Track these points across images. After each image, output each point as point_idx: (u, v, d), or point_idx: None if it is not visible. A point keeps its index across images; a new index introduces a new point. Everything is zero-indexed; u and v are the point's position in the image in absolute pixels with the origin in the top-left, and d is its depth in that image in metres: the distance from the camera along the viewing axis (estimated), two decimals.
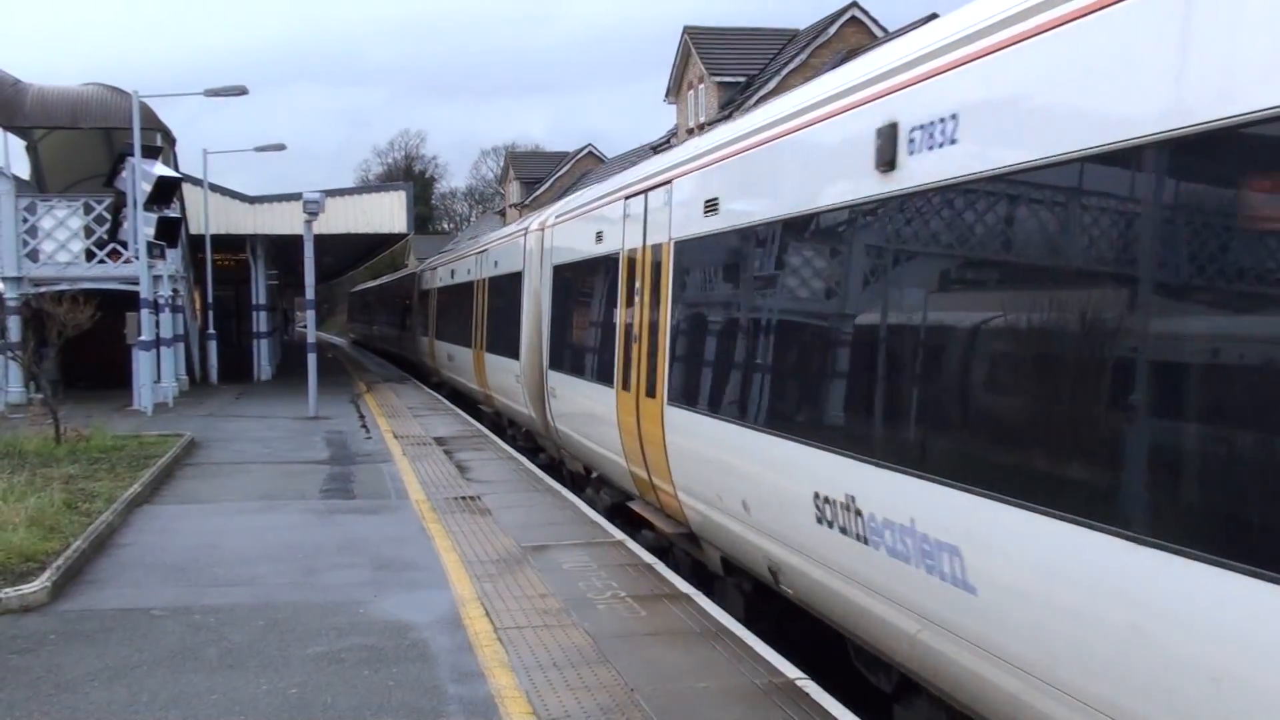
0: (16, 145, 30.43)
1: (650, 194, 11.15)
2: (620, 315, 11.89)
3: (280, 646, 8.24)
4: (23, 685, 7.45)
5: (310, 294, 26.88)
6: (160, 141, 27.84)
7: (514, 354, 18.45)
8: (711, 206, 9.24)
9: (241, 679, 7.54)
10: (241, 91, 28.05)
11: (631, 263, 11.58)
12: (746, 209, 8.57)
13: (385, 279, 60.29)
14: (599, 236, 13.15)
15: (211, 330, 35.48)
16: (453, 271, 28.79)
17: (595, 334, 13.39)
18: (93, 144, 32.11)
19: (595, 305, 13.44)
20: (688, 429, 9.64)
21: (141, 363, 25.75)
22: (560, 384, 15.02)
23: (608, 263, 12.65)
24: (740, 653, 7.93)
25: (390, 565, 10.77)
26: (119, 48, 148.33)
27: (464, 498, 14.37)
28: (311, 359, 25.83)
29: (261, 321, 37.23)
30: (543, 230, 17.21)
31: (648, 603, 9.26)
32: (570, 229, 15.23)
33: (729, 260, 9.07)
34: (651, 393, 10.54)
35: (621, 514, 12.80)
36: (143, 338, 25.77)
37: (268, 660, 7.93)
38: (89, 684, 7.49)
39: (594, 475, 14.44)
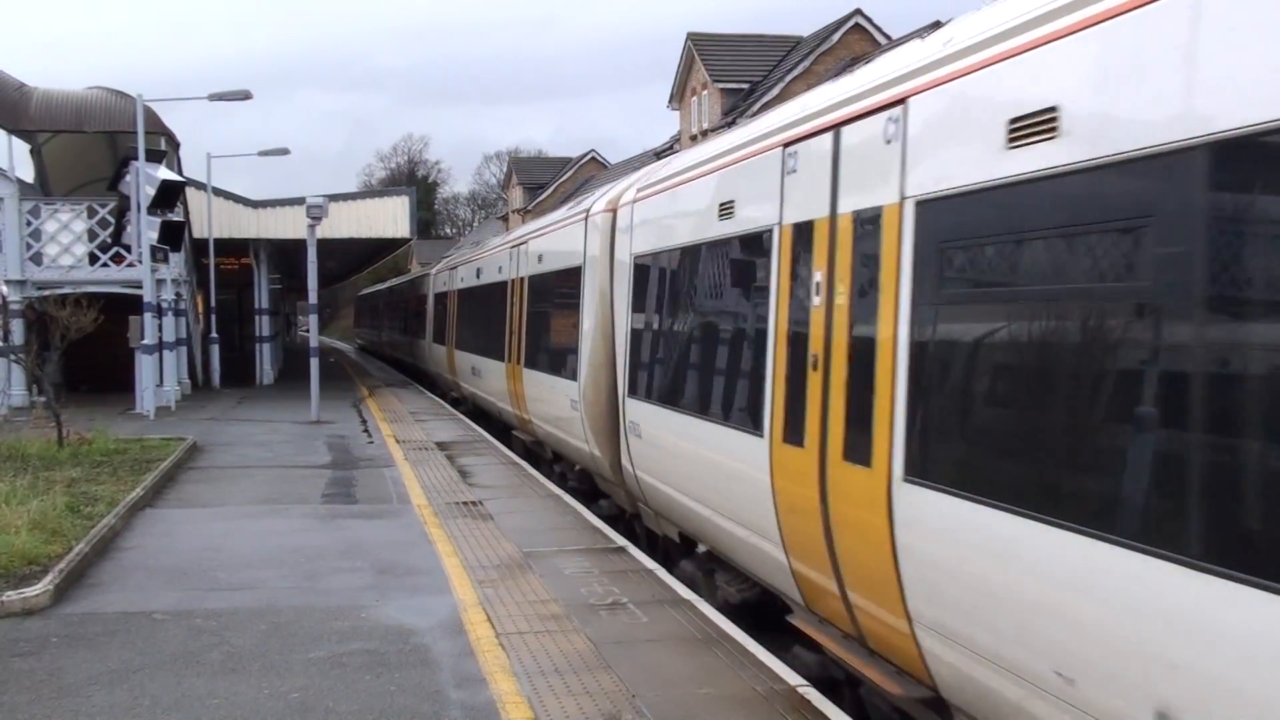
0: (21, 149, 30.57)
1: (846, 130, 7.14)
2: (776, 326, 8.09)
3: (282, 651, 8.25)
4: (25, 688, 7.47)
5: (313, 298, 26.92)
6: (164, 145, 27.93)
7: (568, 372, 14.72)
8: (1031, 127, 5.22)
9: (243, 683, 7.54)
10: (245, 96, 28.08)
11: (801, 243, 7.75)
12: (1160, 119, 4.46)
13: (396, 280, 58.64)
14: (725, 209, 9.31)
15: (214, 334, 35.54)
16: (478, 270, 24.98)
17: (721, 352, 9.57)
18: (97, 148, 32.18)
19: (720, 309, 9.80)
20: (965, 534, 5.66)
21: (144, 366, 25.84)
22: (649, 419, 11.21)
23: (745, 246, 8.92)
24: (742, 659, 7.93)
25: (392, 570, 10.78)
26: (123, 52, 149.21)
27: (466, 503, 14.38)
28: (314, 363, 25.86)
29: (264, 325, 37.27)
30: (614, 211, 13.38)
31: (649, 608, 9.26)
32: (665, 206, 11.22)
33: (1107, 223, 4.92)
34: (859, 456, 6.68)
35: (746, 614, 9.28)
36: (145, 341, 25.86)
37: (270, 664, 7.94)
38: (91, 687, 7.50)
39: (701, 550, 10.58)
